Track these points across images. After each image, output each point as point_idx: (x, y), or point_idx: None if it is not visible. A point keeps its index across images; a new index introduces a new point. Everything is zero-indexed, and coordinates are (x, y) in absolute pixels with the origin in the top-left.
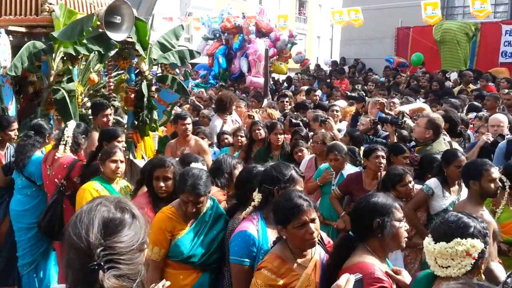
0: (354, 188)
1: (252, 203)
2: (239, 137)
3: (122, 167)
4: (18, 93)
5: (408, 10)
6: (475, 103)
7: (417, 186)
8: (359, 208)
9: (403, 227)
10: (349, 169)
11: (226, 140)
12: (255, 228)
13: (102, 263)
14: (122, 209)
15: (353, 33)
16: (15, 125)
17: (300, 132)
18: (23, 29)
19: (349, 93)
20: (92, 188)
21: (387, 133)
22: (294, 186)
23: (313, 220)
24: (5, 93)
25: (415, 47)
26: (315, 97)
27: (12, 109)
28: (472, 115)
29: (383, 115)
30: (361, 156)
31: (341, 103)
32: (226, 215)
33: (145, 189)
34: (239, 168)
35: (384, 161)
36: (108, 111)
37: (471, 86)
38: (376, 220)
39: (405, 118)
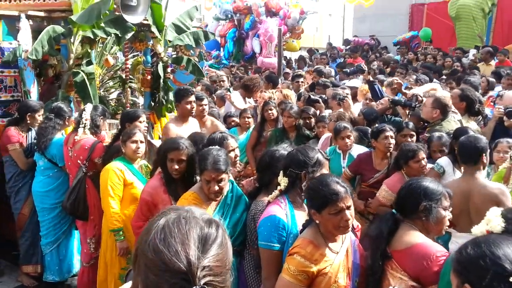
0: (364, 169)
1: (278, 187)
2: (246, 119)
3: (142, 147)
4: (39, 76)
5: None
6: (491, 79)
7: (428, 166)
8: (409, 189)
9: (447, 215)
10: (357, 149)
11: (232, 123)
12: (284, 212)
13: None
14: (212, 223)
15: (366, 10)
16: (42, 110)
17: (308, 111)
18: (42, 14)
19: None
20: (116, 168)
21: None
22: (321, 169)
23: (349, 207)
24: (27, 76)
25: (430, 23)
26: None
27: (34, 92)
28: (492, 93)
29: (396, 98)
30: (369, 137)
31: (356, 83)
32: (245, 196)
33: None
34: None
35: (393, 141)
36: (192, 97)
37: (492, 64)
38: (423, 203)
39: (419, 98)
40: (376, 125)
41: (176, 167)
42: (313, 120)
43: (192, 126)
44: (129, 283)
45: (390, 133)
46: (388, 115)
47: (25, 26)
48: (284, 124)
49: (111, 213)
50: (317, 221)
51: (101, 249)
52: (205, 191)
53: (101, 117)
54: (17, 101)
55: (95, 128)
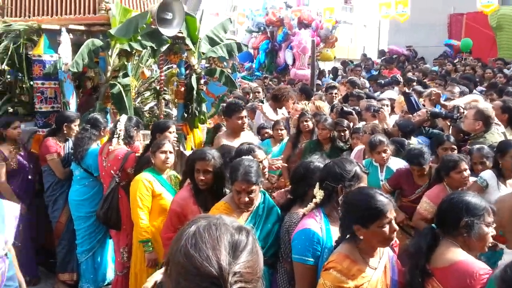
0: (404, 183)
1: (314, 200)
2: (279, 130)
3: (171, 158)
4: (78, 88)
5: None
6: None
7: (471, 179)
8: (450, 203)
9: (490, 232)
10: (395, 161)
11: (266, 134)
12: (319, 226)
13: None
14: (242, 230)
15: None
16: (78, 121)
17: (342, 123)
18: (82, 28)
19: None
20: (144, 179)
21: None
22: (359, 183)
23: (394, 218)
24: (66, 88)
25: (469, 33)
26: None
27: (72, 103)
28: None
29: (436, 109)
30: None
31: (391, 94)
32: (277, 207)
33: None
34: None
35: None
36: (244, 113)
37: None
38: (465, 219)
39: (461, 110)
40: (413, 137)
41: (202, 177)
42: (347, 132)
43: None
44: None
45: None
46: (426, 127)
47: (65, 39)
48: (319, 136)
49: (139, 224)
50: (361, 237)
51: (131, 259)
52: (235, 202)
53: (135, 128)
54: (56, 112)
55: (128, 139)
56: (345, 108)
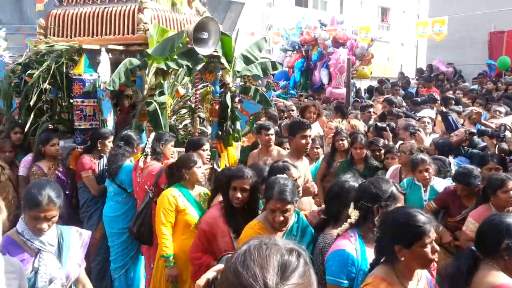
0: (451, 202)
1: (349, 220)
2: (315, 149)
3: (203, 173)
4: (116, 106)
5: (501, 14)
6: None
7: None
8: (490, 224)
9: None
10: (439, 182)
11: None
12: (353, 247)
13: None
14: (293, 251)
15: (441, 40)
16: (112, 137)
17: (377, 143)
18: (121, 47)
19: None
20: (170, 194)
21: (485, 143)
22: (395, 204)
23: (435, 239)
24: (104, 106)
25: (510, 52)
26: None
27: (110, 121)
28: None
29: (482, 126)
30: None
31: (429, 113)
32: (311, 228)
33: (219, 197)
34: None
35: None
36: (309, 131)
37: None
38: (506, 241)
39: (507, 131)
40: (450, 157)
41: (239, 195)
42: (382, 152)
43: (305, 165)
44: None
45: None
46: (465, 147)
47: (104, 59)
48: (354, 155)
49: (161, 238)
50: (402, 258)
51: (152, 273)
52: (270, 221)
53: (162, 143)
54: (94, 129)
55: (155, 155)
56: (379, 124)
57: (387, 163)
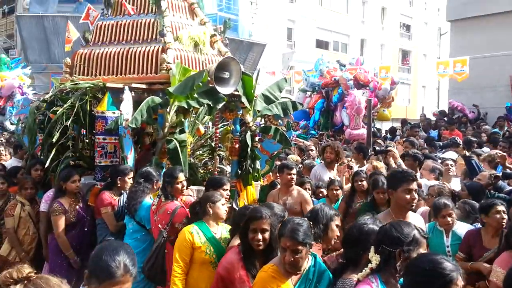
0: (474, 245)
1: (369, 265)
2: (334, 190)
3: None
4: (137, 144)
5: None
6: None
7: None
8: None
9: None
10: (461, 226)
11: (320, 194)
12: None
13: None
14: None
15: (463, 82)
16: (132, 174)
17: None
18: (143, 86)
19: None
20: (187, 231)
21: (511, 187)
22: (418, 249)
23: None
24: (126, 143)
25: None
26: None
27: (130, 158)
28: None
29: (507, 170)
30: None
31: (451, 155)
32: (329, 272)
33: (236, 240)
34: (337, 221)
35: (506, 216)
36: (414, 185)
37: None
38: None
39: None
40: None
41: (260, 237)
42: None
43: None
44: None
45: (501, 207)
46: (491, 191)
47: (127, 97)
48: (377, 200)
49: (172, 276)
50: None
51: None
52: (281, 260)
53: (167, 180)
54: (114, 166)
55: (167, 195)
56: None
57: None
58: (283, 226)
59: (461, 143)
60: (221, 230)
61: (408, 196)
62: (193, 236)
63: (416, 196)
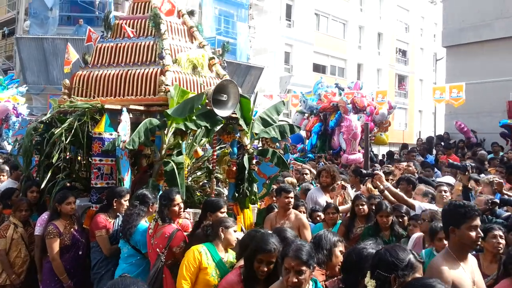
0: None
1: None
2: (330, 214)
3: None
4: (133, 166)
5: None
6: None
7: None
8: None
9: None
10: None
11: (318, 218)
12: None
13: None
14: None
15: (460, 107)
16: (128, 196)
17: (400, 209)
18: (141, 108)
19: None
20: (196, 249)
21: (508, 213)
22: (413, 273)
23: None
24: (122, 165)
25: None
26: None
27: (127, 180)
28: None
29: (505, 196)
30: None
31: (449, 179)
32: None
33: (241, 262)
34: (341, 247)
35: (502, 241)
36: (478, 221)
37: None
38: None
39: None
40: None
41: (265, 269)
42: (406, 218)
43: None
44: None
45: (499, 232)
46: (489, 216)
47: (125, 118)
48: (380, 223)
49: None
50: None
51: None
52: (284, 283)
53: (166, 203)
54: (111, 188)
55: (163, 218)
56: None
57: (410, 231)
58: (286, 246)
59: (470, 169)
60: (228, 255)
61: (474, 234)
62: (201, 255)
63: (482, 233)
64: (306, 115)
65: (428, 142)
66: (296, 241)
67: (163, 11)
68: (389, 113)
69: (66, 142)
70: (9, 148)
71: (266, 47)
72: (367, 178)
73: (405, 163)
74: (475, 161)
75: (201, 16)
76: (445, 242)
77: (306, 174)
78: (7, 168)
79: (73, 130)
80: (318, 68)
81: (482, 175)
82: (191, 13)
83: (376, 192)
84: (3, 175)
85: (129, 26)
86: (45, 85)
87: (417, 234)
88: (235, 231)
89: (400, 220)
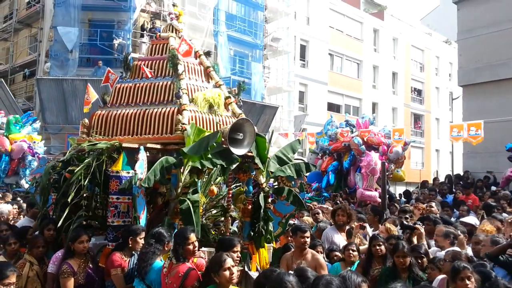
0: None
1: None
2: (351, 251)
3: (236, 273)
4: (149, 204)
5: None
6: None
7: None
8: None
9: None
10: None
11: (335, 257)
12: None
13: None
14: None
15: (477, 146)
16: (144, 234)
17: (419, 250)
18: (158, 146)
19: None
20: None
21: None
22: None
23: None
24: (139, 203)
25: None
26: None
27: (143, 218)
28: None
29: None
30: None
31: (471, 220)
32: None
33: None
34: (365, 287)
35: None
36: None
37: None
38: None
39: None
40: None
41: None
42: (425, 260)
43: None
44: None
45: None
46: (506, 255)
47: (142, 157)
48: (397, 264)
49: None
50: None
51: None
52: None
53: (181, 241)
54: (127, 226)
55: (178, 257)
56: (404, 222)
57: (429, 275)
58: (315, 283)
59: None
60: None
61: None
62: None
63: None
64: (320, 155)
65: (449, 181)
66: (324, 278)
67: (180, 52)
68: (404, 149)
69: (85, 182)
70: (26, 186)
71: (281, 86)
72: (387, 218)
73: (423, 204)
74: (496, 201)
75: (217, 57)
76: (468, 282)
77: (318, 214)
78: (24, 206)
79: (91, 169)
80: (333, 107)
81: (505, 214)
82: (207, 54)
83: (395, 232)
84: (21, 213)
85: (147, 67)
86: (63, 124)
87: (441, 276)
88: (226, 269)
89: (419, 261)
